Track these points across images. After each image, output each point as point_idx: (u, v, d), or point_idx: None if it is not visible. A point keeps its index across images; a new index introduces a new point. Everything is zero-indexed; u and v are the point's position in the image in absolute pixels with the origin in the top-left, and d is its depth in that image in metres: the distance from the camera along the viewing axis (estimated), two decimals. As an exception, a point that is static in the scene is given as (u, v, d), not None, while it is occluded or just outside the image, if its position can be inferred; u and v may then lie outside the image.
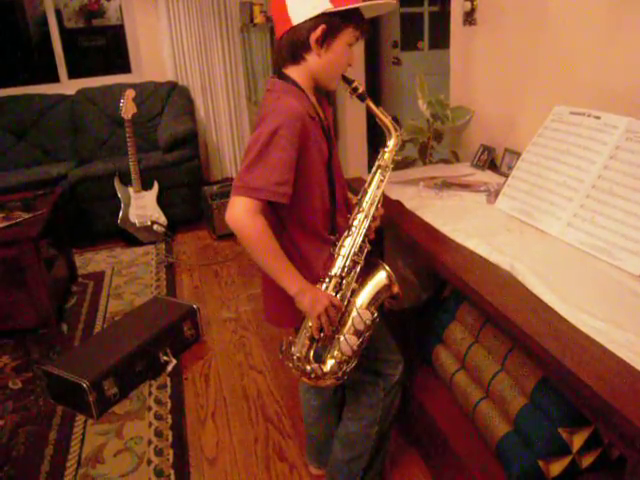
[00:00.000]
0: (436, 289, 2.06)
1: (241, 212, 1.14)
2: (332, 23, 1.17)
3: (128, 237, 3.74)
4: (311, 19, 1.16)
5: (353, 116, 3.77)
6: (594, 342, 1.03)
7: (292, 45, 1.20)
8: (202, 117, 4.66)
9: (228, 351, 2.50)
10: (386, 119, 1.30)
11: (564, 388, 1.04)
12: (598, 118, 1.54)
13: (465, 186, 1.86)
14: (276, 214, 1.27)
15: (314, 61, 1.21)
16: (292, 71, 1.24)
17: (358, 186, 1.37)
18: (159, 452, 1.91)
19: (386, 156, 1.32)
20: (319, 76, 1.25)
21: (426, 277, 2.10)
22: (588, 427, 1.31)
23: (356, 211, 1.30)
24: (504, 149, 2.04)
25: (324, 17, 1.16)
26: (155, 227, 3.72)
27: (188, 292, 3.09)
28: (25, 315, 2.68)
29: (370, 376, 1.46)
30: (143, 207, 3.74)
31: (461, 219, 1.62)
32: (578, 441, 1.31)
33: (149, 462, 1.87)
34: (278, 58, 1.25)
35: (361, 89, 1.27)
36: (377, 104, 1.31)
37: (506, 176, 1.82)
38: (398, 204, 1.79)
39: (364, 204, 1.30)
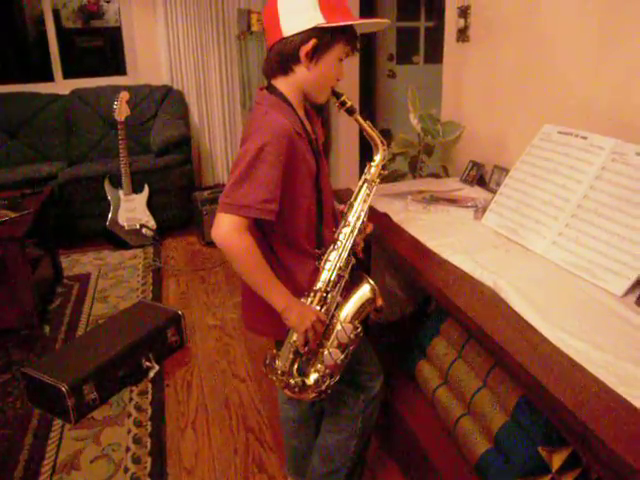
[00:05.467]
0: (421, 303, 2.06)
1: (228, 230, 1.14)
2: (324, 38, 1.17)
3: (116, 240, 3.72)
4: (303, 32, 1.16)
5: (345, 128, 3.79)
6: (573, 362, 1.03)
7: (281, 56, 1.19)
8: (196, 122, 4.65)
9: (212, 358, 2.48)
10: (373, 133, 1.30)
11: (542, 407, 1.04)
12: (585, 138, 1.56)
13: (453, 201, 1.87)
14: (260, 229, 1.26)
15: (303, 74, 1.21)
16: (281, 83, 1.24)
17: (347, 197, 1.37)
18: (137, 460, 1.89)
19: (373, 170, 1.32)
20: (307, 89, 1.25)
21: (412, 291, 2.10)
22: (568, 447, 1.30)
23: (342, 225, 1.30)
24: (493, 166, 2.05)
25: (316, 31, 1.16)
26: (144, 231, 3.70)
27: (174, 297, 3.07)
28: (7, 315, 2.65)
29: (350, 388, 1.45)
30: (132, 210, 3.72)
31: (447, 234, 1.63)
32: (557, 460, 1.31)
33: (126, 470, 1.84)
34: (267, 68, 1.25)
35: (349, 103, 1.26)
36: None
37: (494, 192, 1.82)
38: (385, 217, 1.79)
39: (350, 218, 1.29)
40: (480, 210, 1.74)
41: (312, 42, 1.16)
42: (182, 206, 3.99)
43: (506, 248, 1.54)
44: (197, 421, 2.09)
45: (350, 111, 1.29)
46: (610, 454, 0.83)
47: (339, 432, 1.49)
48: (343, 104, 1.27)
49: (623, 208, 1.38)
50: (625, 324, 1.16)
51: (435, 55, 3.91)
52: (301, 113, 1.27)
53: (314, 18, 1.15)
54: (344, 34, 1.20)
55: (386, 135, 3.87)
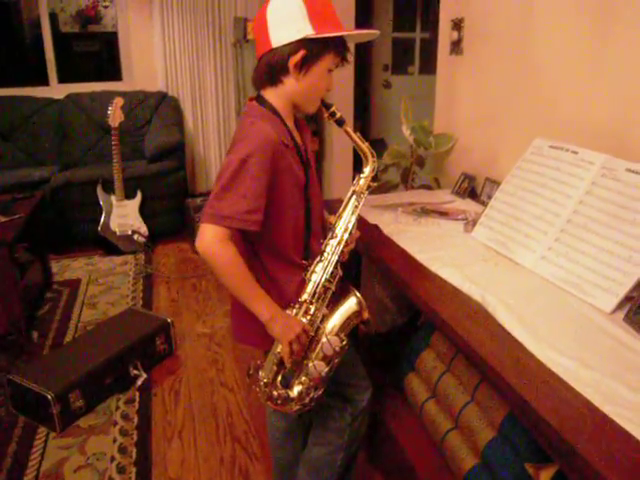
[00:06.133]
0: (412, 315, 2.05)
1: (210, 240, 1.13)
2: (312, 49, 1.16)
3: (108, 245, 3.70)
4: (291, 43, 1.15)
5: (339, 137, 3.80)
6: (560, 380, 1.02)
7: (270, 67, 1.19)
8: (190, 129, 4.65)
9: (200, 367, 2.46)
10: (363, 145, 1.30)
11: (528, 425, 1.03)
12: (576, 153, 1.56)
13: (443, 214, 1.86)
14: (247, 240, 1.25)
15: (292, 85, 1.20)
16: (270, 94, 1.23)
17: (338, 207, 1.36)
18: (121, 470, 1.86)
19: (361, 182, 1.31)
20: (297, 100, 1.24)
21: (402, 302, 2.09)
22: (555, 463, 1.29)
23: (329, 237, 1.29)
24: (485, 178, 2.05)
25: (304, 42, 1.15)
26: (135, 237, 3.68)
27: (164, 304, 3.05)
28: (-6, 320, 2.63)
29: (337, 401, 1.44)
30: (125, 216, 3.71)
31: (437, 247, 1.62)
32: (545, 477, 1.29)
33: (110, 480, 1.82)
34: (256, 78, 1.24)
35: (339, 114, 1.26)
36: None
37: (485, 205, 1.82)
38: (375, 229, 1.79)
39: (337, 230, 1.28)
40: (470, 223, 1.73)
41: (301, 53, 1.16)
42: (175, 213, 3.98)
43: (495, 262, 1.54)
44: (184, 430, 2.07)
45: (340, 122, 1.28)
46: (595, 474, 0.82)
47: (325, 445, 1.47)
48: (333, 115, 1.27)
49: (612, 224, 1.38)
50: (613, 341, 1.16)
51: (430, 66, 3.93)
52: (290, 124, 1.26)
53: (303, 29, 1.14)
54: (334, 45, 1.19)
55: (380, 145, 3.88)
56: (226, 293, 3.12)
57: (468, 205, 2.01)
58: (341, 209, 1.31)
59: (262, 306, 1.20)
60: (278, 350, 1.24)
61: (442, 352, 1.67)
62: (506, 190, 1.70)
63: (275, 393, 1.26)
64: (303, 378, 1.26)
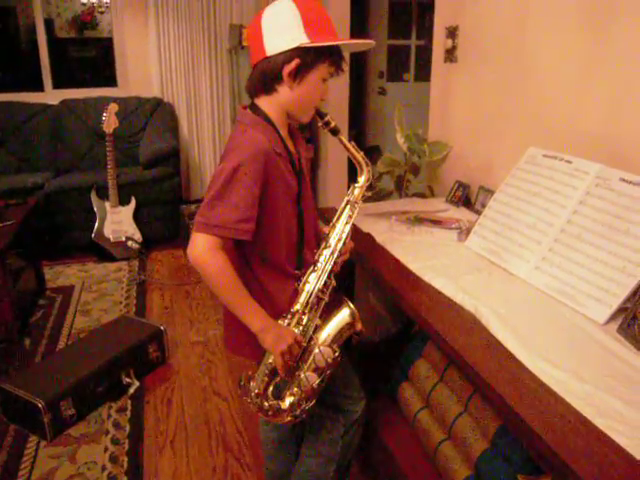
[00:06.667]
0: (405, 324, 2.05)
1: (202, 249, 1.13)
2: (307, 58, 1.16)
3: (101, 252, 3.68)
4: (286, 52, 1.15)
5: (334, 145, 3.79)
6: (552, 392, 1.02)
7: (264, 76, 1.18)
8: (185, 135, 4.64)
9: (193, 375, 2.44)
10: (358, 154, 1.29)
11: (520, 437, 1.02)
12: (570, 162, 1.56)
13: (437, 222, 1.86)
14: (239, 249, 1.24)
15: (286, 94, 1.20)
16: (263, 102, 1.23)
17: (332, 216, 1.35)
18: (113, 479, 1.84)
19: (356, 192, 1.30)
20: (290, 109, 1.23)
21: (396, 311, 2.08)
22: (548, 475, 1.29)
23: (323, 247, 1.28)
24: (479, 187, 2.05)
25: (299, 51, 1.15)
26: (129, 243, 3.67)
27: (158, 312, 3.03)
28: (-14, 328, 2.60)
29: (331, 412, 1.43)
30: (119, 222, 3.69)
31: (430, 256, 1.62)
32: (537, 489, 1.29)
33: (101, 490, 1.80)
34: (250, 86, 1.24)
35: (333, 123, 1.25)
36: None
37: (479, 214, 1.82)
38: (369, 237, 1.78)
39: (331, 240, 1.28)
40: (464, 232, 1.73)
41: (295, 62, 1.15)
42: (169, 219, 3.96)
43: (489, 271, 1.53)
44: (176, 439, 2.05)
45: (334, 131, 1.27)
46: (587, 489, 0.82)
47: (317, 456, 1.46)
48: (327, 124, 1.26)
49: (606, 234, 1.38)
50: (606, 353, 1.15)
51: (425, 73, 3.93)
52: (284, 133, 1.26)
53: (298, 38, 1.14)
54: (328, 54, 1.19)
55: (375, 152, 3.88)
56: (220, 301, 3.10)
57: (462, 214, 2.00)
58: (335, 219, 1.30)
59: (253, 316, 1.19)
60: (269, 361, 1.23)
61: (436, 361, 1.66)
62: (500, 199, 1.70)
63: (266, 404, 1.25)
64: (295, 389, 1.24)
